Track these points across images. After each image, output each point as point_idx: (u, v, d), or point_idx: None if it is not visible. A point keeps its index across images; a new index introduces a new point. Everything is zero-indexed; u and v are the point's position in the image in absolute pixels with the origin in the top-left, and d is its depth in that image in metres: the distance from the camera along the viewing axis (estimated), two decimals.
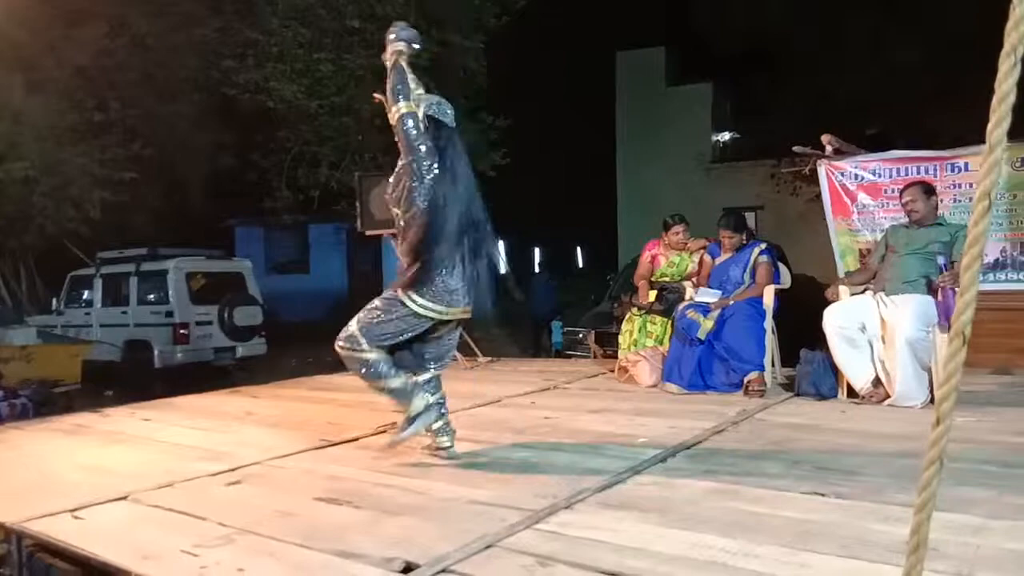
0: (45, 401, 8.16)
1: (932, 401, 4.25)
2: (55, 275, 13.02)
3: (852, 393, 4.60)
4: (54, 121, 11.14)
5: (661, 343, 5.55)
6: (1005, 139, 0.84)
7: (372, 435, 4.00)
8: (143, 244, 11.94)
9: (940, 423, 0.89)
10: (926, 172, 5.71)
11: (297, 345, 13.09)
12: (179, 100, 12.76)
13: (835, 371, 4.69)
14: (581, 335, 9.32)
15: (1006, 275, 5.55)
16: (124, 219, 13.00)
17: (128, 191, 12.32)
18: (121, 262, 11.73)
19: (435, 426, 3.40)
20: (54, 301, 12.26)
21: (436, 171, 3.22)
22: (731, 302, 5.18)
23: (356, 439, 3.92)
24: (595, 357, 8.10)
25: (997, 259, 5.56)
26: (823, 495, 2.64)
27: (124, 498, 2.95)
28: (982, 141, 0.88)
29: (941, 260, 4.42)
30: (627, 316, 5.93)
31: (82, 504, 2.84)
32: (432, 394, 3.39)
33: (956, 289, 4.18)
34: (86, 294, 12.04)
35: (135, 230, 13.17)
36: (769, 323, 5.16)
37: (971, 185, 5.62)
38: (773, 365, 5.27)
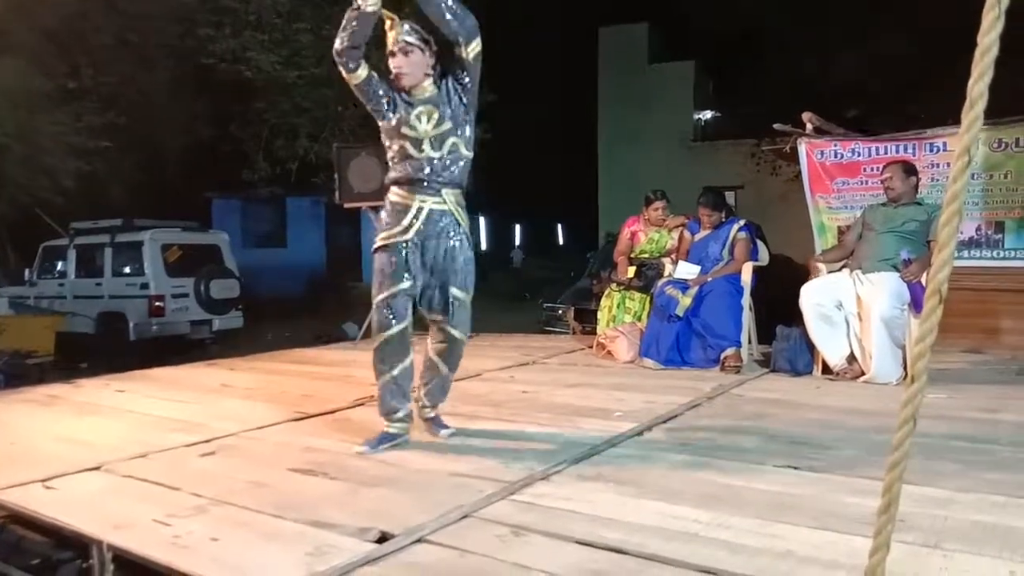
0: (17, 373, 8.06)
1: (906, 378, 4.31)
2: (28, 245, 12.81)
3: (827, 370, 4.64)
4: (26, 87, 10.88)
5: (639, 319, 5.57)
6: (987, 94, 0.83)
7: (349, 408, 3.99)
8: (118, 215, 11.75)
9: (914, 381, 0.89)
10: (905, 151, 5.75)
11: (274, 318, 13.02)
12: (155, 68, 12.53)
13: (811, 348, 4.73)
14: (560, 311, 9.33)
15: (980, 252, 5.62)
16: (98, 189, 12.80)
17: (102, 160, 12.11)
18: (95, 233, 11.55)
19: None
20: (26, 272, 12.06)
21: None
22: (709, 279, 5.20)
23: (332, 412, 3.90)
24: (574, 333, 8.12)
25: (972, 237, 5.62)
26: (796, 469, 2.67)
27: (97, 468, 2.92)
28: (959, 123, 0.87)
29: (904, 255, 4.45)
30: (606, 292, 5.95)
31: (54, 474, 2.82)
32: None
33: (922, 282, 4.25)
34: (59, 265, 11.86)
35: (110, 200, 12.98)
36: (747, 300, 5.19)
37: (949, 165, 5.67)
38: (750, 342, 5.30)
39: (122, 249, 11.16)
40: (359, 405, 4.06)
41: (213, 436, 3.39)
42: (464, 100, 3.19)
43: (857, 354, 4.51)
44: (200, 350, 10.73)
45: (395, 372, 3.10)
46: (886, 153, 5.81)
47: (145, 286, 10.77)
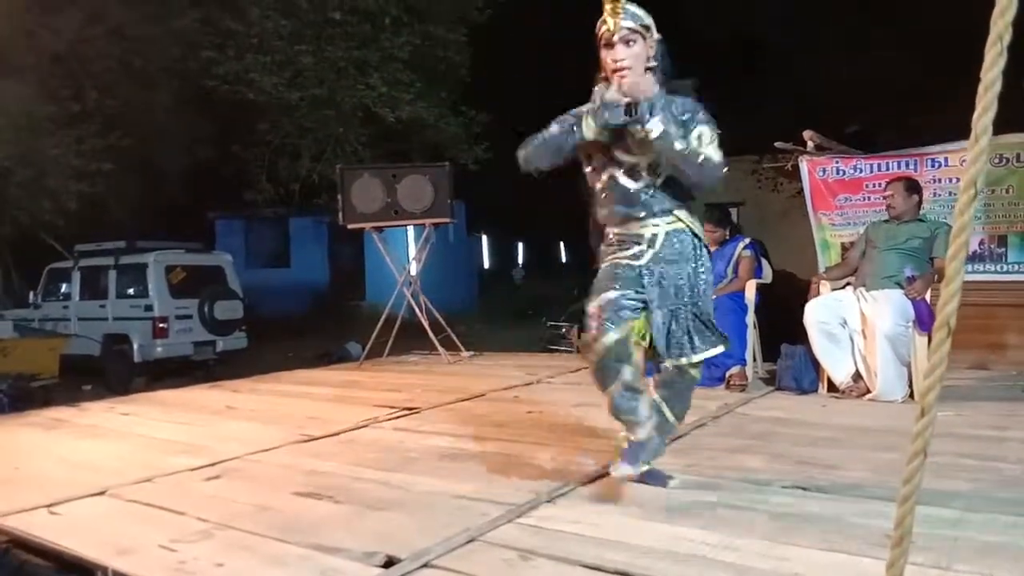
0: (22, 396, 8.04)
1: (911, 396, 4.29)
2: (32, 268, 12.83)
3: (832, 387, 4.63)
4: (30, 110, 10.95)
5: (644, 338, 5.55)
6: (991, 128, 0.83)
7: (354, 429, 3.99)
8: (121, 237, 11.78)
9: (924, 414, 0.89)
10: (906, 167, 5.76)
11: (278, 338, 13.01)
12: (158, 91, 12.61)
13: (816, 365, 4.72)
14: (564, 330, 9.34)
15: (984, 266, 5.61)
16: (102, 211, 12.83)
17: (106, 183, 12.16)
18: (99, 255, 11.56)
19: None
20: (31, 294, 12.07)
21: None
22: (713, 297, 5.18)
23: (337, 433, 3.89)
24: (578, 352, 8.10)
25: (975, 251, 5.62)
26: (804, 489, 2.65)
27: (102, 493, 2.91)
28: (962, 138, 0.89)
29: (908, 271, 4.45)
30: None
31: (59, 499, 2.81)
32: None
33: (926, 300, 4.25)
34: (64, 287, 11.87)
35: (113, 222, 13.00)
36: (751, 318, 5.18)
37: (951, 180, 5.68)
38: (755, 360, 5.29)
39: (126, 271, 11.17)
40: (364, 426, 4.06)
41: (218, 459, 3.38)
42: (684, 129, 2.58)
43: (862, 372, 4.50)
44: (204, 371, 10.72)
45: (625, 376, 2.54)
46: (888, 169, 5.83)
47: (149, 308, 10.77)
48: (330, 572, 2.05)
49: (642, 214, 2.62)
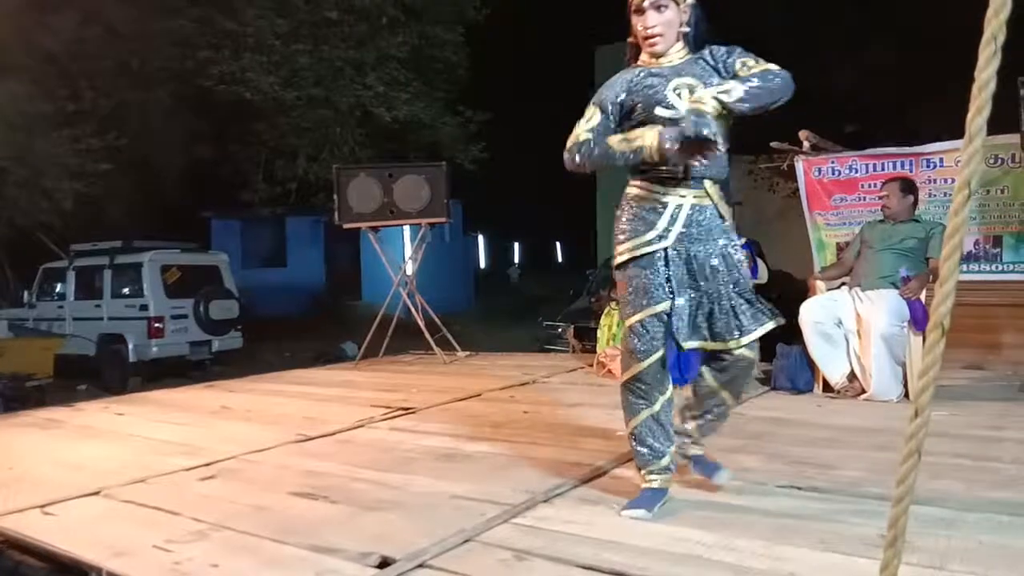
0: (17, 396, 8.02)
1: (906, 395, 4.30)
2: (27, 268, 12.80)
3: (828, 387, 4.64)
4: (26, 109, 10.93)
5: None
6: (985, 128, 0.83)
7: (350, 429, 3.98)
8: (117, 236, 11.75)
9: (918, 415, 0.89)
10: (902, 168, 5.76)
11: (274, 339, 13.00)
12: (154, 90, 12.61)
13: (811, 366, 4.72)
14: (560, 330, 9.34)
15: (979, 266, 5.62)
16: (97, 211, 12.81)
17: (102, 182, 12.14)
18: (95, 255, 11.54)
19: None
20: (25, 294, 12.05)
21: None
22: None
23: (333, 433, 3.88)
24: (574, 352, 8.11)
25: (970, 251, 5.63)
26: (799, 489, 2.66)
27: (96, 493, 2.91)
28: (958, 138, 0.89)
29: (903, 271, 4.45)
30: (606, 311, 5.95)
31: (53, 500, 2.80)
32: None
33: (921, 300, 4.25)
34: (59, 287, 11.85)
35: (109, 222, 12.98)
36: None
37: (946, 180, 5.68)
38: None
39: (121, 271, 11.15)
40: (360, 426, 4.05)
41: (213, 459, 3.38)
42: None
43: (857, 372, 4.51)
44: (200, 371, 10.71)
45: (656, 407, 2.54)
46: (883, 169, 5.83)
47: (144, 307, 10.75)
48: (326, 572, 2.05)
49: (676, 175, 2.43)
